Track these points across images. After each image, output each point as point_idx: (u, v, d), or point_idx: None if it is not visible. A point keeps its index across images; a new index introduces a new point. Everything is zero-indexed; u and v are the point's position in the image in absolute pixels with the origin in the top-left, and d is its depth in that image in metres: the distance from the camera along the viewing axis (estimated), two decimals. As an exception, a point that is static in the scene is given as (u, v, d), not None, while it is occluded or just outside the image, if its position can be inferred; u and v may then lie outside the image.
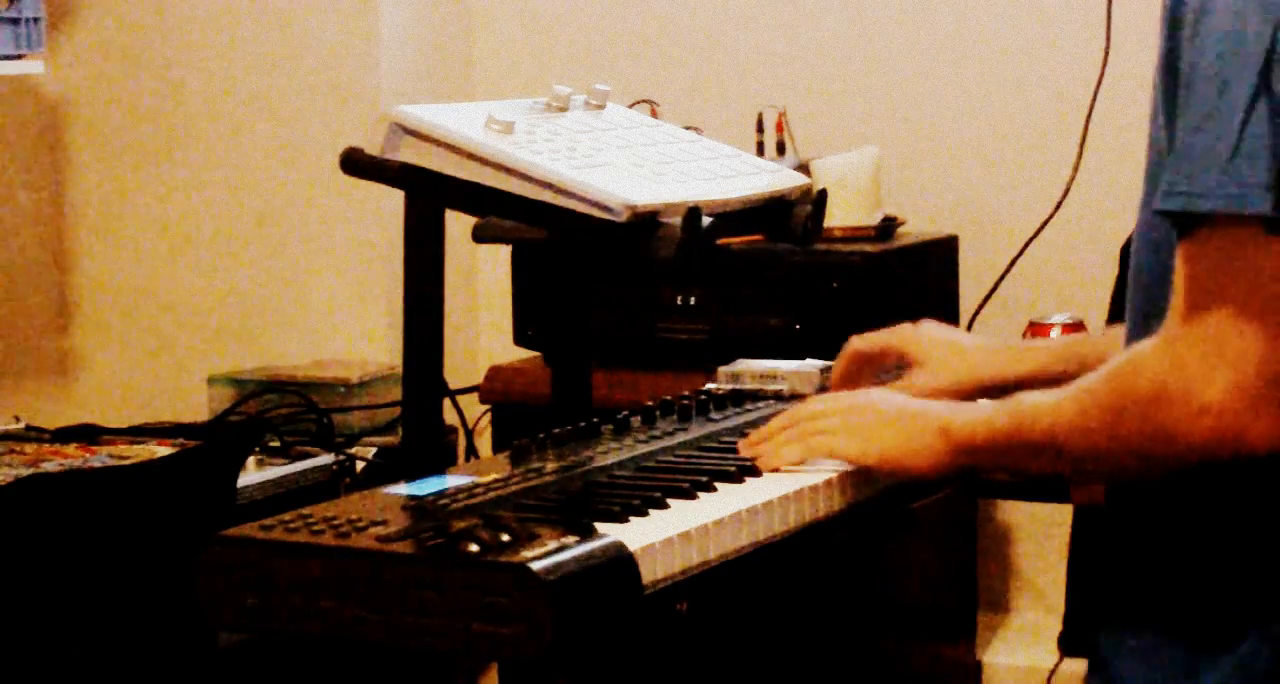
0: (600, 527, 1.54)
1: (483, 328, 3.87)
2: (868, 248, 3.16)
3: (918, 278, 3.30)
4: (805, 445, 1.79)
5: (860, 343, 2.06)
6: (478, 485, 1.70)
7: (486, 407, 3.38)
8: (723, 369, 2.21)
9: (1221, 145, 1.47)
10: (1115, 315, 3.17)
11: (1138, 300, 1.66)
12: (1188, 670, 1.60)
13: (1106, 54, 3.10)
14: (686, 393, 2.12)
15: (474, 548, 1.46)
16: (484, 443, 3.51)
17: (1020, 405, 1.65)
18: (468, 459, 3.33)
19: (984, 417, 1.68)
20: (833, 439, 1.78)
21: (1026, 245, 3.25)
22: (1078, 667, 3.31)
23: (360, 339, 3.65)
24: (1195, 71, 1.49)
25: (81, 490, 2.40)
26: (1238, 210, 1.46)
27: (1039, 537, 3.59)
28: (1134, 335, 1.64)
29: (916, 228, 3.40)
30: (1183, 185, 1.48)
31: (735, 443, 1.91)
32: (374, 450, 3.13)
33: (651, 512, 1.63)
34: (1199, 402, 1.48)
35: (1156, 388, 1.50)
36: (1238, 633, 1.58)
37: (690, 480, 1.72)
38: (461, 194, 1.89)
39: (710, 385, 2.18)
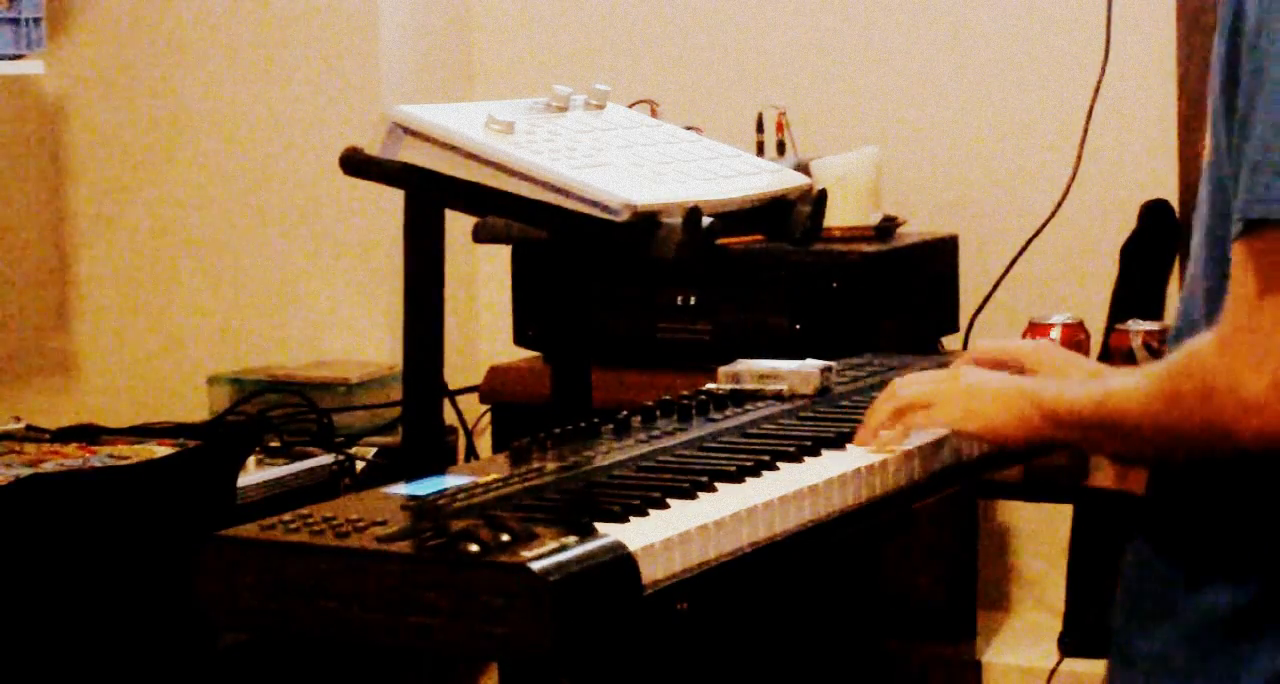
0: (600, 527, 1.54)
1: (483, 328, 3.87)
2: (867, 248, 3.16)
3: (918, 278, 3.30)
4: (906, 424, 1.87)
5: (981, 347, 2.08)
6: (478, 485, 1.70)
7: (486, 407, 3.38)
8: (723, 369, 2.21)
9: None
10: (1115, 315, 3.17)
11: (1203, 296, 1.68)
12: (1234, 655, 1.63)
13: (1106, 54, 3.10)
14: (686, 393, 2.11)
15: (474, 548, 1.46)
16: (484, 443, 3.51)
17: (1103, 386, 1.70)
18: (468, 459, 3.33)
19: (1071, 392, 1.73)
20: (932, 412, 1.85)
21: (1026, 245, 3.25)
22: (1078, 667, 3.31)
23: (360, 339, 3.65)
24: (1257, 81, 1.54)
25: (81, 490, 2.40)
26: None
27: (1039, 537, 3.59)
28: (1192, 315, 1.69)
29: (916, 228, 3.40)
30: (1255, 193, 1.53)
31: (735, 443, 1.91)
32: (374, 450, 3.13)
33: (651, 512, 1.63)
34: (1244, 397, 1.53)
35: (1209, 381, 1.55)
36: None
37: (690, 480, 1.72)
38: (461, 194, 1.89)
39: (710, 385, 2.18)
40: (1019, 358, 2.03)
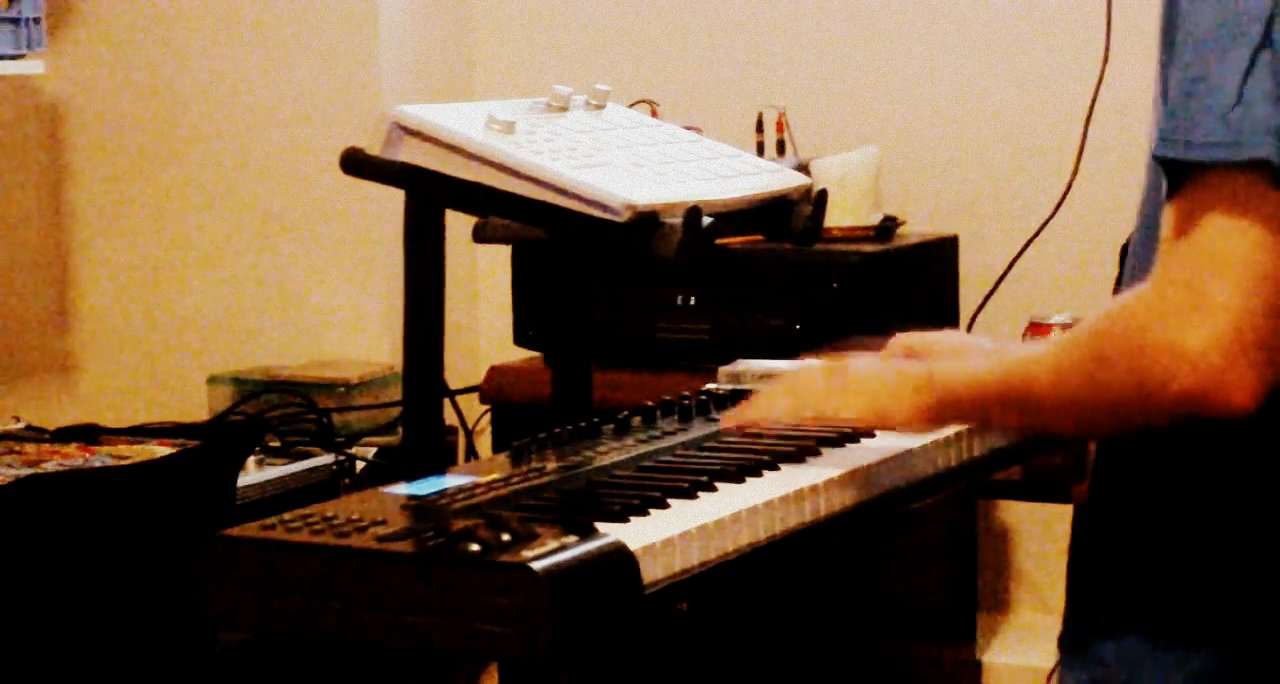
0: (600, 526, 1.54)
1: (483, 328, 3.87)
2: (868, 248, 3.16)
3: (918, 278, 3.30)
4: (794, 406, 1.80)
5: (909, 339, 2.05)
6: (478, 485, 1.70)
7: (486, 407, 3.38)
8: (723, 369, 2.21)
9: (1222, 97, 1.45)
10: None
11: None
12: (1167, 663, 1.62)
13: (1106, 54, 3.10)
14: (686, 393, 2.11)
15: (474, 548, 1.46)
16: (484, 443, 3.51)
17: (1005, 358, 1.64)
18: (468, 459, 3.33)
19: (968, 369, 1.66)
20: (820, 398, 1.78)
21: (1026, 245, 3.25)
22: (1078, 667, 3.31)
23: (360, 339, 3.65)
24: (1197, 27, 1.48)
25: (81, 490, 2.40)
26: (1235, 158, 1.44)
27: (1039, 537, 3.59)
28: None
29: (916, 228, 3.40)
30: (1181, 134, 1.47)
31: (735, 443, 1.90)
32: (374, 450, 3.13)
33: (652, 511, 1.63)
34: (1180, 350, 1.45)
35: (1139, 336, 1.48)
36: (1217, 628, 1.59)
37: (690, 480, 1.72)
38: (461, 194, 1.89)
39: (710, 385, 2.18)
40: (927, 349, 2.01)
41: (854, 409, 1.76)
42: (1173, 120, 1.48)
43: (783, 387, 1.84)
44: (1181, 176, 1.48)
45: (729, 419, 1.87)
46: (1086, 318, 1.57)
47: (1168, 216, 1.49)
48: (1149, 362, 1.47)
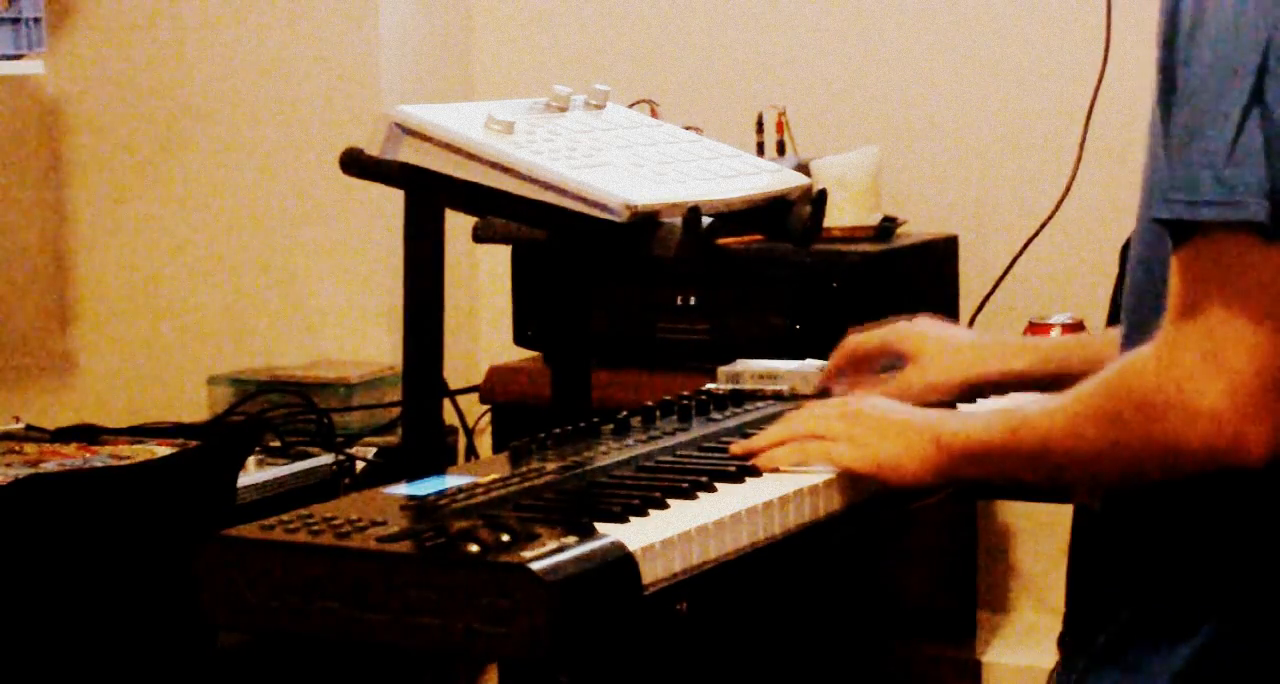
0: (600, 527, 1.54)
1: (483, 328, 3.87)
2: (868, 248, 3.16)
3: (918, 278, 3.30)
4: (803, 452, 1.79)
5: (857, 339, 2.06)
6: (478, 485, 1.70)
7: (486, 407, 3.38)
8: (723, 369, 2.21)
9: (1216, 154, 1.47)
10: (1115, 316, 3.17)
11: (1130, 305, 1.67)
12: (1143, 658, 1.62)
13: (1106, 54, 3.10)
14: (686, 393, 2.11)
15: (474, 548, 1.46)
16: (484, 443, 3.51)
17: (1014, 414, 1.65)
18: (468, 459, 3.33)
19: (979, 426, 1.68)
20: (830, 447, 1.78)
21: (1026, 245, 3.25)
22: (1078, 667, 3.31)
23: (360, 339, 3.65)
24: (1190, 82, 1.50)
25: (81, 490, 2.40)
26: (1232, 218, 1.46)
27: (1039, 537, 3.59)
28: (1126, 342, 1.64)
29: (916, 228, 3.40)
30: (1178, 194, 1.49)
31: (735, 443, 1.90)
32: (374, 450, 3.13)
33: (651, 512, 1.63)
34: (1195, 409, 1.48)
35: (1152, 395, 1.50)
36: (1197, 621, 1.59)
37: (690, 480, 1.72)
38: (461, 194, 1.89)
39: (710, 385, 2.18)
40: (894, 345, 2.00)
41: (861, 463, 1.76)
42: (1171, 177, 1.49)
43: (792, 433, 1.82)
44: (1183, 235, 1.50)
45: (739, 449, 1.85)
46: (1099, 373, 1.58)
47: (1174, 274, 1.51)
48: (1164, 422, 1.49)
